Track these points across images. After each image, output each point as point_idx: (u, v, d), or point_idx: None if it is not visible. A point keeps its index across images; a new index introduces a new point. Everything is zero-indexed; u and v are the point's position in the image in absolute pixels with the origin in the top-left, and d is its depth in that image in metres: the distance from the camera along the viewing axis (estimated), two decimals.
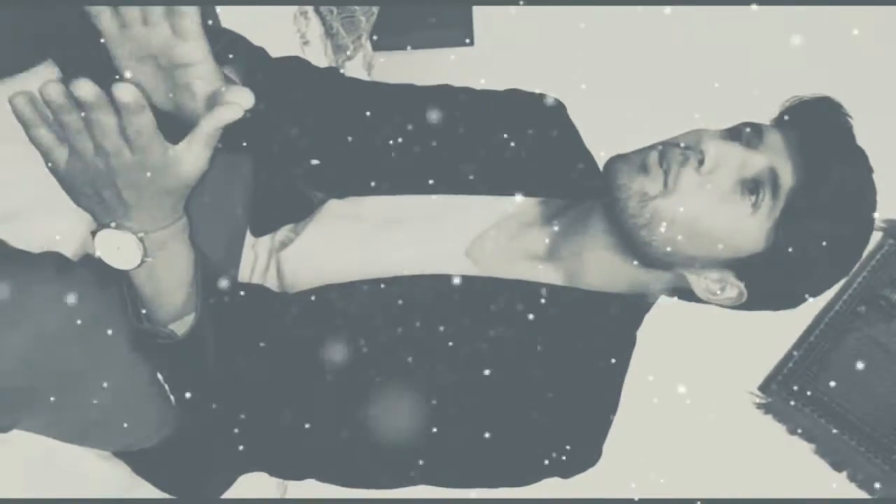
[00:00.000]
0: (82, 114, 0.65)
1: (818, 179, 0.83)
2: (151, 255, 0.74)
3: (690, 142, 0.87)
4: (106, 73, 0.69)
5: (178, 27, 0.74)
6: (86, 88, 0.63)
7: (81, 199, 0.72)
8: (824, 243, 0.84)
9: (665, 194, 0.85)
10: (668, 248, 0.86)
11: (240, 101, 0.71)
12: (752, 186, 0.84)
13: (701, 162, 0.84)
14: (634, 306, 0.94)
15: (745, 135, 0.87)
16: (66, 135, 0.67)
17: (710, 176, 0.85)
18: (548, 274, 0.93)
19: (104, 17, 0.73)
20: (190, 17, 0.73)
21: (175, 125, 0.73)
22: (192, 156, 0.70)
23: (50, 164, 0.69)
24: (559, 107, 1.07)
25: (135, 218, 0.72)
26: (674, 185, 0.85)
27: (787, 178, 0.84)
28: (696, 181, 0.85)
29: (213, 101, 0.76)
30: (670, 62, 2.20)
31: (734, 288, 0.89)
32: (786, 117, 0.89)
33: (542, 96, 1.07)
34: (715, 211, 0.85)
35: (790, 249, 0.84)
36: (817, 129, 0.86)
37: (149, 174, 0.68)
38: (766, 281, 0.88)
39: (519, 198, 0.98)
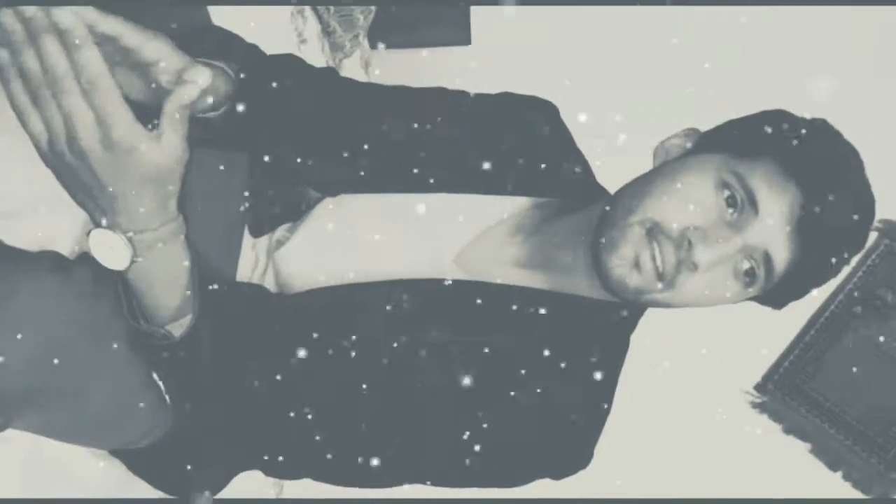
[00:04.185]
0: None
1: (816, 258, 0.83)
2: (142, 257, 0.73)
3: (680, 218, 0.83)
4: None
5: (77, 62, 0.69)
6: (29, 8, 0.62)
7: (68, 187, 0.71)
8: (815, 275, 0.87)
9: (663, 290, 0.85)
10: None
11: (196, 79, 0.70)
12: (747, 272, 0.84)
13: (693, 269, 0.83)
14: (627, 311, 0.94)
15: (739, 205, 0.83)
16: (30, 87, 0.65)
17: (706, 274, 0.84)
18: (536, 282, 0.94)
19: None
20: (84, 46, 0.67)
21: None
22: (165, 141, 0.68)
23: (33, 140, 0.68)
24: (551, 108, 1.07)
25: (122, 212, 0.70)
26: (671, 284, 0.84)
27: (781, 260, 0.83)
28: (692, 281, 0.84)
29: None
30: (666, 64, 2.20)
31: None
32: (786, 161, 0.84)
33: (534, 98, 1.07)
34: (710, 296, 0.85)
35: (780, 289, 0.87)
36: (818, 190, 0.82)
37: (120, 153, 0.67)
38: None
39: (509, 202, 0.99)
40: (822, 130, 0.87)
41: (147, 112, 0.70)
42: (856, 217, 0.83)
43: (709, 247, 0.81)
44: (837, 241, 0.83)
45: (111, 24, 0.70)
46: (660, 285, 0.84)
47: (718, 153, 0.86)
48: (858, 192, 0.85)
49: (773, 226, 0.82)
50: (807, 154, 0.83)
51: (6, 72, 0.66)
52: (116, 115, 0.66)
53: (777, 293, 0.88)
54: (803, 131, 0.85)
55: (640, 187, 0.87)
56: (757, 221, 0.82)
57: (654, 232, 0.83)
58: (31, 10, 0.63)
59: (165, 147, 0.68)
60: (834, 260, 0.85)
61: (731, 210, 0.83)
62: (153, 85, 0.76)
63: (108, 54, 0.70)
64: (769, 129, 0.86)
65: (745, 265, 0.84)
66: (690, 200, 0.83)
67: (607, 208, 0.88)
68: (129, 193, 0.69)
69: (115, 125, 0.66)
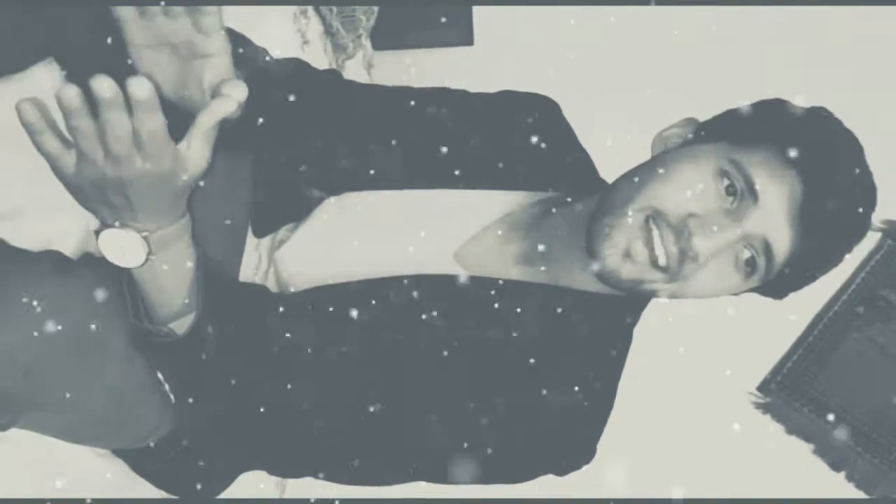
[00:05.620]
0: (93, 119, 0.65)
1: (817, 246, 0.82)
2: (155, 254, 0.74)
3: (679, 205, 0.82)
4: (110, 71, 0.69)
5: (199, 23, 0.73)
6: (105, 85, 0.62)
7: (87, 201, 0.72)
8: (816, 263, 0.86)
9: (669, 281, 0.84)
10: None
11: (233, 93, 0.70)
12: (747, 262, 0.83)
13: (694, 258, 0.82)
14: (630, 305, 0.94)
15: (738, 194, 0.82)
16: (76, 139, 0.66)
17: (710, 265, 0.83)
18: (538, 277, 0.93)
19: (123, 8, 0.73)
20: (212, 14, 0.73)
21: (179, 117, 0.73)
22: (194, 153, 0.70)
23: (56, 170, 0.69)
24: (553, 105, 1.07)
25: (139, 218, 0.72)
26: (677, 275, 0.83)
27: (782, 248, 0.82)
28: (699, 273, 0.83)
29: (214, 95, 0.76)
30: (667, 62, 2.20)
31: None
32: (785, 148, 0.82)
33: (535, 95, 1.07)
34: (713, 287, 0.84)
35: (781, 279, 0.86)
36: (818, 177, 0.81)
37: (158, 180, 0.69)
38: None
39: (510, 198, 0.99)
40: (821, 118, 0.86)
41: (167, 106, 0.71)
42: (856, 204, 0.83)
43: (708, 236, 0.80)
44: (838, 229, 0.82)
45: None
46: (658, 274, 0.83)
47: (717, 142, 0.86)
48: (858, 179, 0.84)
49: (772, 213, 0.81)
50: (806, 141, 0.82)
51: (34, 126, 0.66)
52: (163, 153, 0.67)
53: (778, 283, 0.87)
54: (803, 119, 0.84)
55: (637, 176, 0.86)
56: (756, 209, 0.81)
57: (654, 218, 0.82)
58: (109, 92, 0.63)
59: (194, 159, 0.70)
60: (835, 248, 0.84)
61: (730, 199, 0.82)
62: (190, 80, 0.76)
63: (172, 30, 0.72)
64: (768, 118, 0.86)
65: (746, 254, 0.83)
66: (689, 189, 0.82)
67: (605, 196, 0.87)
68: (154, 202, 0.71)
69: (160, 161, 0.67)
